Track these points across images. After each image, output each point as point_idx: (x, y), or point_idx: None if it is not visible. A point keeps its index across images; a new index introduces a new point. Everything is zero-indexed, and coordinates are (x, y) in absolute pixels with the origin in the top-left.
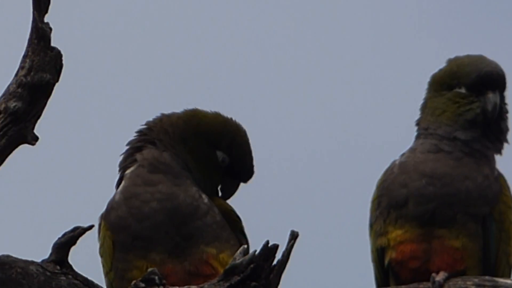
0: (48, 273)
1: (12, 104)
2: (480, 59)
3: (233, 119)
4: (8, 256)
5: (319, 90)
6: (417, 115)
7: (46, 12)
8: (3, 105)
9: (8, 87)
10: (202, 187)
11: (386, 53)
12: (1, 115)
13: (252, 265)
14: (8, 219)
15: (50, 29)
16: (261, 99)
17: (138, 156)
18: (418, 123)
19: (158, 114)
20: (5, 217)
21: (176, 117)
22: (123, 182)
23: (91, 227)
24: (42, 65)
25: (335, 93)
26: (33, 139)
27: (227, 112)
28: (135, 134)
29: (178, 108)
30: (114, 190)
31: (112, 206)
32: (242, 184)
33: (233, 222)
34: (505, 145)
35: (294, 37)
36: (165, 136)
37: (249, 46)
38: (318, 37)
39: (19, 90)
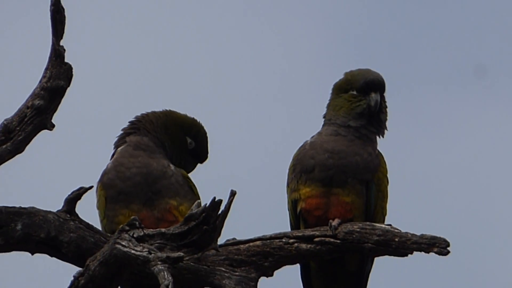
0: (61, 220)
1: (37, 102)
2: (367, 70)
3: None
4: (33, 208)
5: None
6: (324, 111)
7: (61, 38)
8: (30, 103)
9: (34, 90)
10: (172, 161)
11: None
12: (29, 109)
13: (204, 214)
14: (35, 183)
15: (64, 50)
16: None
17: (127, 138)
18: (324, 116)
19: (144, 112)
20: (33, 182)
21: (159, 112)
22: (115, 155)
23: (91, 187)
24: (58, 75)
25: None
26: (51, 126)
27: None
28: (128, 123)
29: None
30: (111, 156)
31: (105, 172)
32: (199, 165)
33: (190, 185)
34: (385, 131)
35: None
36: (150, 125)
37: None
38: None
39: (42, 92)
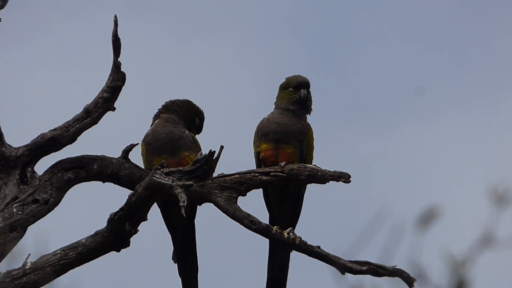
0: (120, 162)
1: (105, 94)
2: (299, 75)
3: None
4: (104, 155)
5: None
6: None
7: (119, 56)
8: (101, 95)
9: (103, 87)
10: (188, 130)
11: None
12: (100, 99)
13: (204, 159)
14: (102, 143)
15: (120, 63)
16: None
17: (161, 115)
18: (274, 103)
19: (172, 99)
20: (101, 142)
21: (183, 100)
22: (153, 125)
23: (137, 144)
24: (117, 79)
25: None
26: (113, 109)
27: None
28: (162, 105)
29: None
30: (150, 126)
31: (146, 135)
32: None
33: (196, 143)
34: (311, 111)
35: None
36: (176, 107)
37: None
38: None
39: (108, 89)
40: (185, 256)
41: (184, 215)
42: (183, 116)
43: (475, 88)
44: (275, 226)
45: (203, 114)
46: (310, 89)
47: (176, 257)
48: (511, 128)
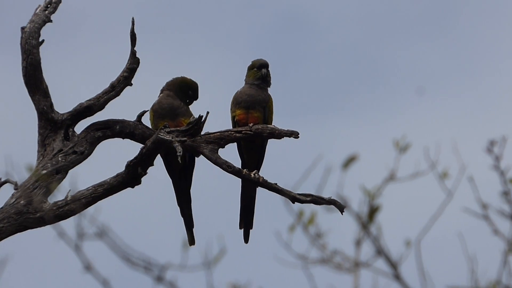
0: (135, 124)
1: (125, 74)
2: (261, 59)
3: (193, 79)
4: (123, 119)
5: None
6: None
7: (134, 46)
8: (122, 74)
9: (124, 68)
10: (183, 102)
11: None
12: (122, 77)
13: (195, 122)
14: (122, 112)
15: (136, 51)
16: None
17: (164, 91)
18: (244, 80)
19: (171, 78)
20: (120, 111)
21: (176, 78)
22: (158, 98)
23: (147, 110)
24: (133, 63)
25: None
26: (131, 84)
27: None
28: (166, 83)
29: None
30: (156, 98)
31: (153, 104)
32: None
33: (189, 111)
34: (270, 85)
35: None
36: (173, 84)
37: None
38: None
39: (127, 69)
40: (183, 195)
41: (180, 162)
42: (177, 91)
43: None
44: (245, 169)
45: (195, 85)
46: (269, 69)
47: (177, 198)
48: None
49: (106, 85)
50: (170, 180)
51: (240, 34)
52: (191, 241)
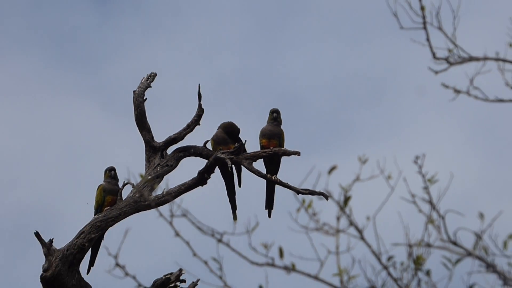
0: (202, 148)
1: (195, 118)
2: (273, 108)
3: (234, 123)
4: (195, 145)
5: None
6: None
7: (200, 100)
8: (194, 118)
9: (194, 115)
10: (228, 135)
11: None
12: (194, 120)
13: (238, 146)
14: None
15: (201, 104)
16: None
17: (218, 129)
18: (266, 121)
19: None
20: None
21: (226, 122)
22: (216, 132)
23: (209, 140)
24: (200, 111)
25: None
26: (199, 125)
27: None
28: (219, 125)
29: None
30: (214, 133)
31: (213, 136)
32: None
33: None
34: (281, 123)
35: None
36: (224, 127)
37: None
38: None
39: (197, 115)
40: (230, 190)
41: (229, 170)
42: (225, 129)
43: None
44: (268, 174)
45: (235, 127)
46: (279, 114)
47: (227, 192)
48: None
49: (184, 125)
50: (223, 181)
51: (255, 101)
52: (235, 218)
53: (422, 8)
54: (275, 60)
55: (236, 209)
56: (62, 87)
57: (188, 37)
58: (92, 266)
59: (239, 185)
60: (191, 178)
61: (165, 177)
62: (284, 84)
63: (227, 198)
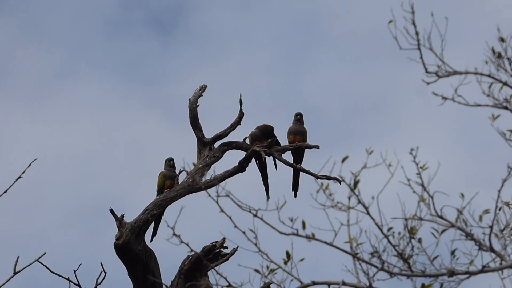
0: (242, 142)
1: (237, 119)
2: (297, 111)
3: (269, 124)
4: (236, 140)
5: None
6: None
7: (241, 106)
8: (236, 120)
9: (236, 117)
10: (263, 134)
11: None
12: (236, 121)
13: (271, 141)
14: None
15: (242, 109)
16: None
17: (255, 129)
18: (292, 121)
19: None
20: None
21: (262, 125)
22: (253, 131)
23: (247, 137)
24: (241, 114)
25: None
26: (240, 124)
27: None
28: (258, 126)
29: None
30: (252, 131)
31: (251, 133)
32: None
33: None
34: (304, 123)
35: None
36: (260, 128)
37: None
38: None
39: (238, 118)
40: (264, 175)
41: (263, 160)
42: (261, 130)
43: None
44: (294, 163)
45: (270, 128)
46: (302, 115)
47: (262, 177)
48: None
49: (228, 125)
50: (258, 169)
51: (282, 111)
52: (268, 197)
53: (417, 33)
54: (298, 80)
55: (268, 190)
56: (131, 100)
57: (231, 61)
58: (155, 236)
59: (276, 169)
60: (233, 167)
61: (212, 166)
62: (305, 98)
63: (262, 182)
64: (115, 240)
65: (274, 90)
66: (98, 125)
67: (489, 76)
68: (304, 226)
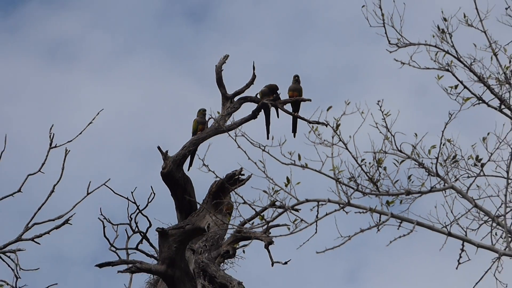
0: (256, 98)
1: (248, 84)
2: (295, 74)
3: (274, 84)
4: (250, 95)
5: None
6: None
7: (254, 70)
8: (245, 84)
9: (248, 82)
10: (270, 91)
11: None
12: (246, 85)
13: (275, 97)
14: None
15: (255, 73)
16: None
17: (264, 87)
18: (292, 81)
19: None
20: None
21: (268, 84)
22: (262, 88)
23: (258, 92)
24: (252, 80)
25: None
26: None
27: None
28: (266, 85)
29: None
30: (262, 88)
31: (261, 90)
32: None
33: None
34: (300, 82)
35: None
36: (267, 87)
37: None
38: None
39: (249, 81)
40: (268, 123)
41: (269, 110)
42: (268, 87)
43: None
44: (293, 112)
45: (274, 86)
46: (299, 77)
47: (266, 124)
48: None
49: (243, 85)
50: (265, 116)
51: (283, 76)
52: (267, 137)
53: (382, 15)
54: (295, 55)
55: (269, 132)
56: (173, 71)
57: (246, 41)
58: (191, 166)
59: (277, 117)
60: (248, 115)
61: (232, 114)
62: (301, 68)
63: (265, 127)
64: (161, 170)
65: (278, 62)
66: (149, 89)
67: (435, 46)
68: (299, 158)
